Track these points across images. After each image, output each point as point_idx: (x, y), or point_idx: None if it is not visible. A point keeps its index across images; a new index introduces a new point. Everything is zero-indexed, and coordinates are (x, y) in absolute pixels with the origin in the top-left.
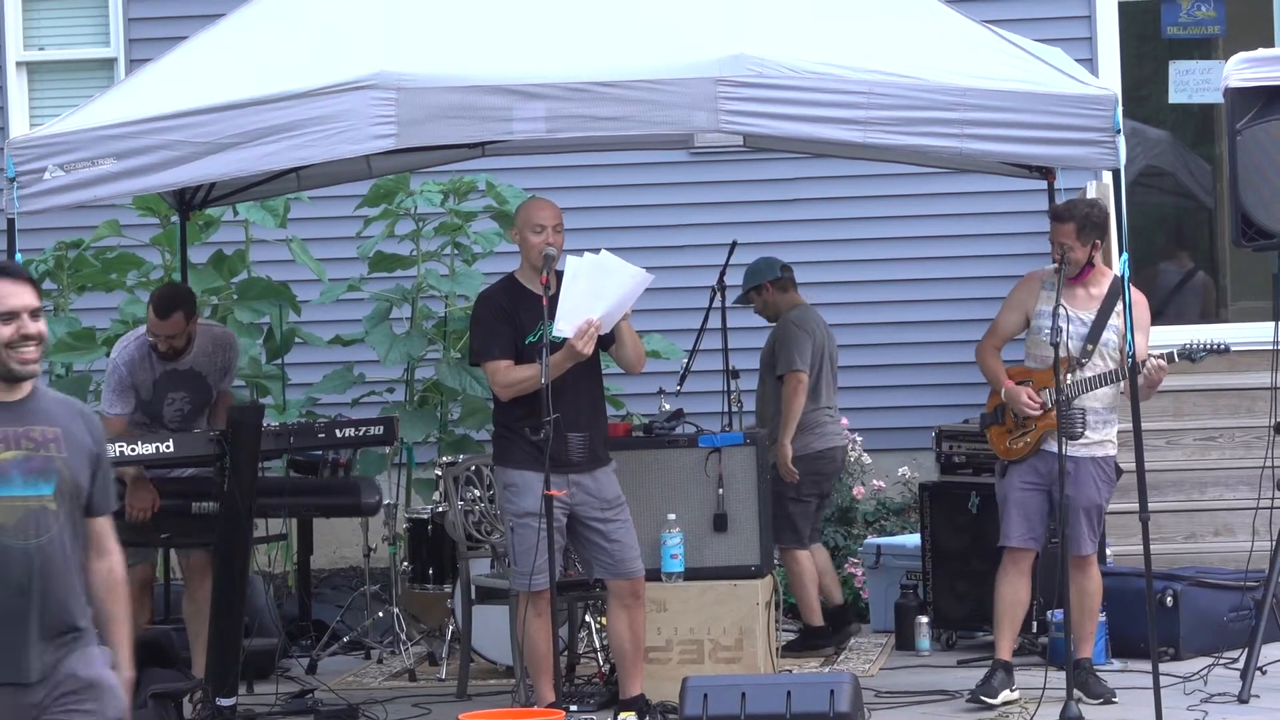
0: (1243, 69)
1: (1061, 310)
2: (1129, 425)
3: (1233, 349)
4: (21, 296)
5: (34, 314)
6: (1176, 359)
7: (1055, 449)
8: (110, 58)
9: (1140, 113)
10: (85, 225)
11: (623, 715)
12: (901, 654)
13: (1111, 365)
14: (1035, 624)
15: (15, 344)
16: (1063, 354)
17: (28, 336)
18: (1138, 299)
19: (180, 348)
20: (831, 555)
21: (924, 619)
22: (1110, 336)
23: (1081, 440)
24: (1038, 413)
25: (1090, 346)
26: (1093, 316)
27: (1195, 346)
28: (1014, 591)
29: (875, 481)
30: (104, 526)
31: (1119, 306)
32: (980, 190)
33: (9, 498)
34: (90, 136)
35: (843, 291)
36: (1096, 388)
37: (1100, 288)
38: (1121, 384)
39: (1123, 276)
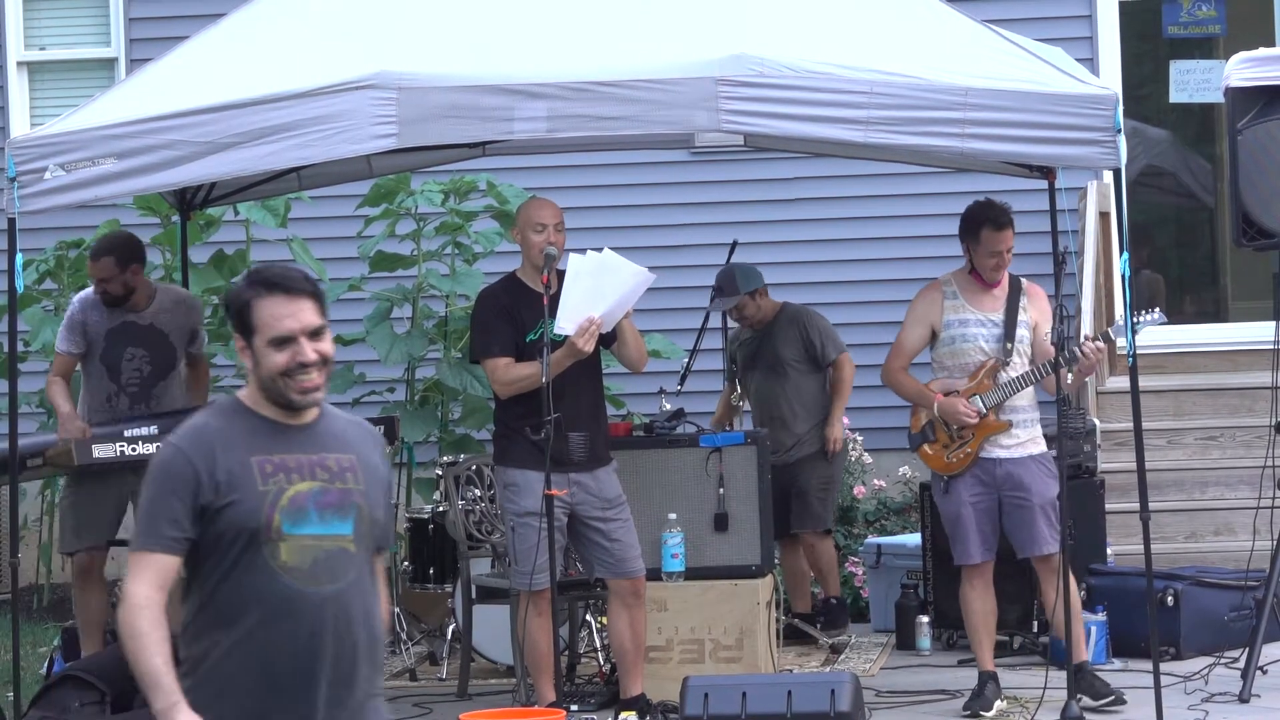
0: (1243, 68)
1: (973, 315)
2: (1129, 425)
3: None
4: (300, 316)
5: (315, 334)
6: (1113, 336)
7: (995, 455)
8: (111, 57)
9: (1141, 112)
10: (86, 225)
11: (623, 715)
12: (902, 654)
13: (1026, 363)
14: (1036, 623)
15: (293, 372)
16: (984, 358)
17: (306, 364)
18: (1040, 291)
19: (117, 294)
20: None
21: (924, 619)
22: (1023, 333)
23: (1015, 441)
24: (976, 420)
25: (1009, 345)
26: (1002, 317)
27: (1119, 326)
28: (983, 603)
29: (876, 481)
30: (380, 565)
31: (1023, 302)
32: (981, 190)
33: (302, 536)
34: (91, 136)
35: (843, 291)
36: (1025, 386)
37: (1002, 289)
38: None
39: (1124, 276)
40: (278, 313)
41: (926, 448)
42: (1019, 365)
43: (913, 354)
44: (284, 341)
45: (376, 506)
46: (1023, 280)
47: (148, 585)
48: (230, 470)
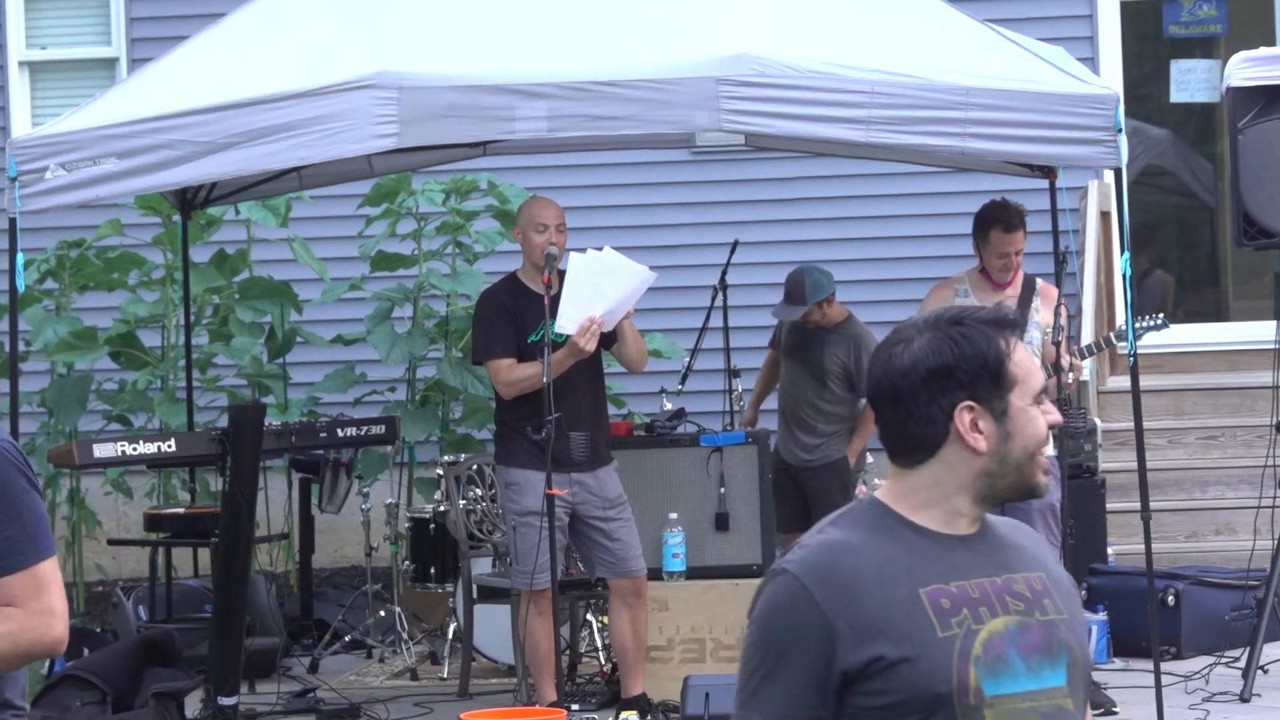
0: (1244, 68)
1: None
2: (1130, 424)
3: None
4: (1031, 374)
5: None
6: (1114, 341)
7: None
8: (112, 57)
9: (1142, 112)
10: (87, 225)
11: (624, 714)
12: None
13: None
14: None
15: (1043, 442)
16: None
17: (1054, 426)
18: (1053, 291)
19: None
20: None
21: None
22: (1033, 334)
23: None
24: None
25: None
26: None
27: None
28: None
29: (876, 480)
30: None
31: (1036, 303)
32: (982, 190)
33: (1012, 699)
34: (92, 136)
35: (843, 291)
36: None
37: (1014, 288)
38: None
39: (1125, 276)
40: (1026, 358)
41: None
42: None
43: None
44: (1042, 396)
45: (1084, 641)
46: (1038, 280)
47: None
48: (889, 612)
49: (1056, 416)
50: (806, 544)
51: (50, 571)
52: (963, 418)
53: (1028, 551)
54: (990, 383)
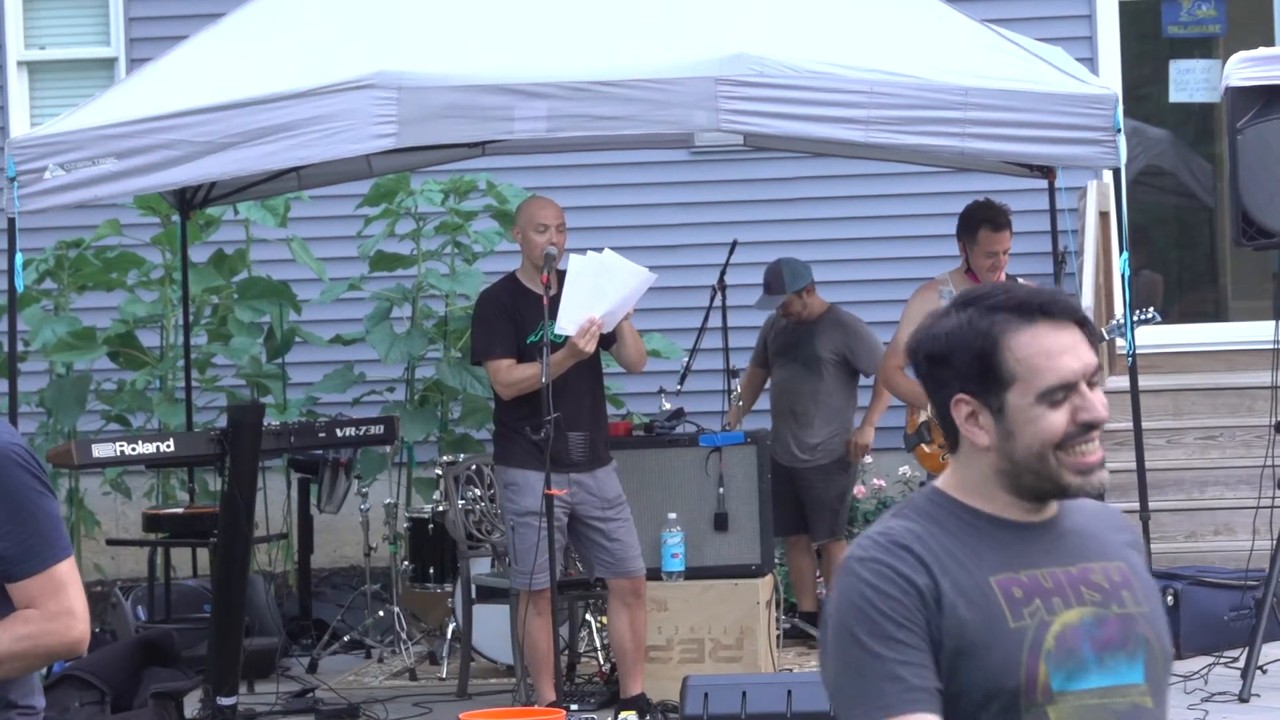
0: (1243, 68)
1: None
2: (1129, 424)
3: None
4: (1079, 351)
5: (1092, 377)
6: (1106, 335)
7: None
8: (111, 57)
9: (1140, 112)
10: (86, 224)
11: (623, 714)
12: None
13: None
14: None
15: (1072, 439)
16: None
17: (1092, 424)
18: None
19: None
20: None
21: None
22: None
23: None
24: None
25: None
26: None
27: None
28: None
29: (876, 480)
30: None
31: None
32: (981, 190)
33: (1083, 694)
34: (91, 136)
35: (844, 291)
36: None
37: None
38: None
39: (1123, 276)
40: (1048, 347)
41: (923, 447)
42: None
43: None
44: (1056, 393)
45: (1164, 635)
46: (1020, 280)
47: None
48: (962, 597)
49: (1092, 413)
50: (870, 534)
51: (67, 572)
52: (958, 410)
53: (1107, 540)
54: (981, 377)
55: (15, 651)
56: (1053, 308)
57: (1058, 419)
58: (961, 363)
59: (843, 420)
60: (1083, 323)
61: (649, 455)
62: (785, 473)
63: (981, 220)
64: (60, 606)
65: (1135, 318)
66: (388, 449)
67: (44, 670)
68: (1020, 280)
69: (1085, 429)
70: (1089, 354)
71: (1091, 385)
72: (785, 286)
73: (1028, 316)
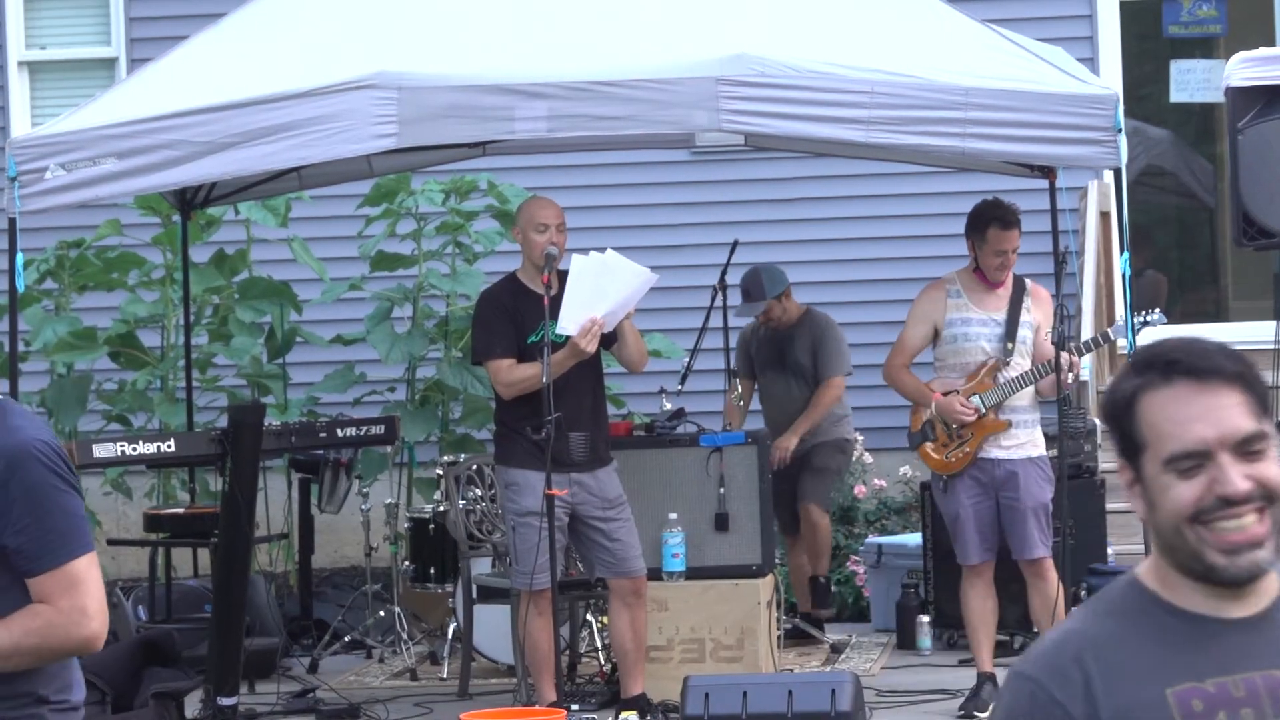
0: (1244, 68)
1: (976, 315)
2: None
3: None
4: (1219, 417)
5: (1246, 446)
6: (1112, 337)
7: (992, 455)
8: (111, 57)
9: (1141, 112)
10: (87, 225)
11: (624, 714)
12: (903, 653)
13: (1029, 363)
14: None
15: (1209, 514)
16: (985, 358)
17: (1232, 500)
18: (1044, 293)
19: None
20: (832, 555)
21: (925, 618)
22: (1025, 334)
23: (1014, 442)
24: (973, 418)
25: (1010, 345)
26: (1005, 317)
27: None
28: (982, 603)
29: (876, 480)
30: None
31: (1027, 303)
32: (981, 190)
33: None
34: (91, 136)
35: (844, 291)
36: (1025, 386)
37: (1006, 288)
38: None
39: (1124, 276)
40: (1179, 411)
41: (927, 447)
42: (1020, 365)
43: (914, 352)
44: (1187, 461)
45: None
46: (1027, 280)
47: None
48: (1128, 718)
49: (1228, 487)
50: (1048, 638)
51: (85, 569)
52: (1122, 477)
53: None
54: (1123, 442)
55: (23, 646)
56: (1199, 367)
57: (1187, 491)
58: (1112, 426)
59: (834, 418)
60: (1247, 383)
61: (650, 455)
62: (784, 473)
63: (991, 219)
64: (73, 603)
65: (1140, 320)
66: (388, 449)
67: None
68: (1029, 281)
69: (1223, 504)
70: (1236, 419)
71: (1248, 455)
72: (765, 292)
73: (1167, 376)
